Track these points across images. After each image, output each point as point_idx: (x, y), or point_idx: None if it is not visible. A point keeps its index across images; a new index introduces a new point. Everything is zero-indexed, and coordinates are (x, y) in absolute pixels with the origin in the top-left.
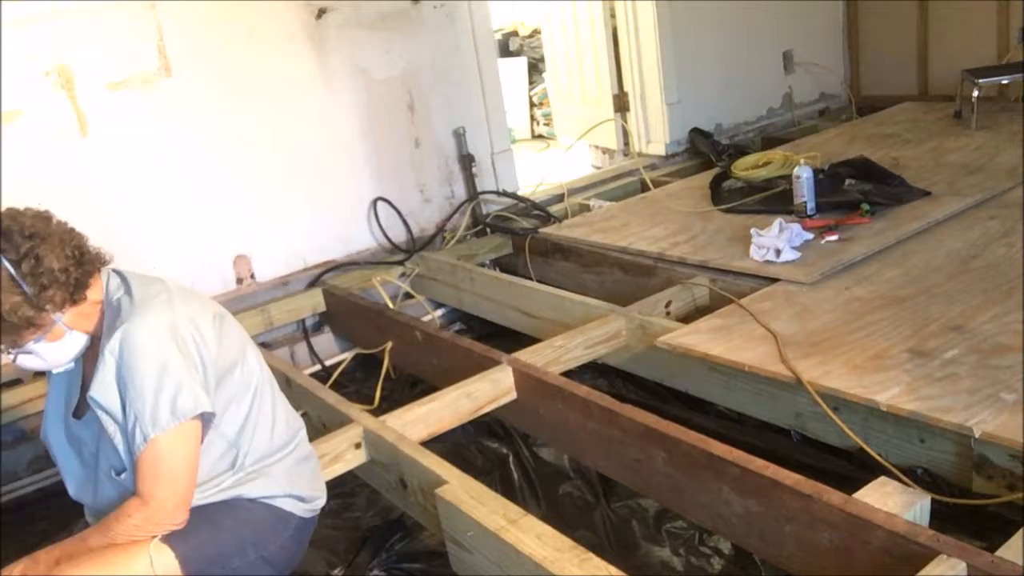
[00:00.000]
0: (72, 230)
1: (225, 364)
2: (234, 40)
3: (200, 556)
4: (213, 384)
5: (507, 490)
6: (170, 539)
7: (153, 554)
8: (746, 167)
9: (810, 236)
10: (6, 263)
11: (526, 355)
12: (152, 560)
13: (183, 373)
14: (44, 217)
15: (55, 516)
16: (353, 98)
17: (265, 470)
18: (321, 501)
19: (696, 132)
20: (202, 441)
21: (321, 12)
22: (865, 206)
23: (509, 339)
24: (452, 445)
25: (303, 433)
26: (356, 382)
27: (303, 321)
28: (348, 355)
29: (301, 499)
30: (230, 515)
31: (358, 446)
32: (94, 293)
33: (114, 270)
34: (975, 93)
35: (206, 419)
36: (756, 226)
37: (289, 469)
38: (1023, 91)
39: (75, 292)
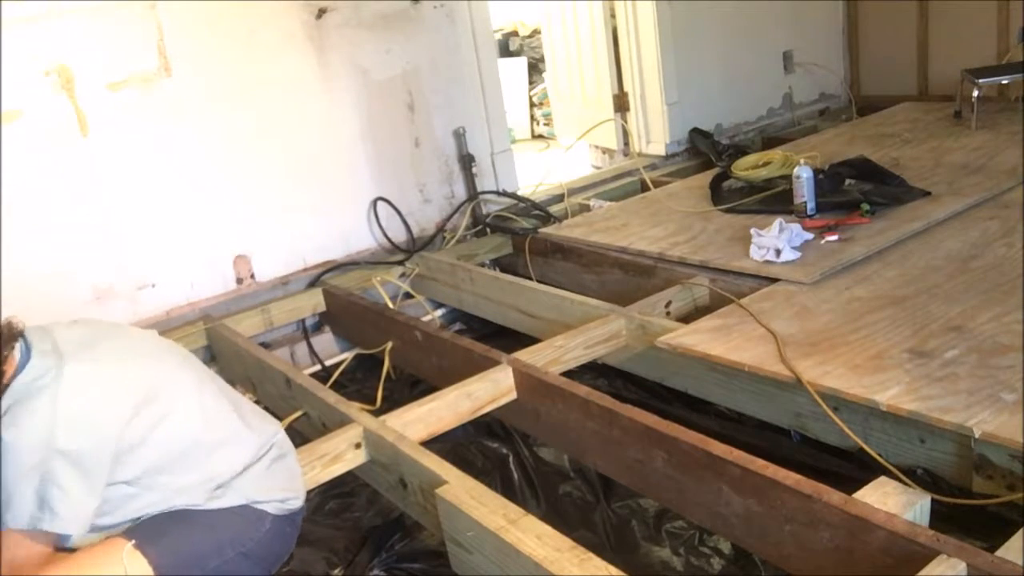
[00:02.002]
0: None
1: (142, 431)
2: (234, 40)
3: (175, 559)
4: (102, 471)
5: (507, 490)
6: (143, 544)
7: (126, 560)
8: (746, 167)
9: (810, 236)
10: None
11: (526, 355)
12: (126, 566)
13: (31, 492)
14: None
15: None
16: (353, 98)
17: (229, 484)
18: (296, 501)
19: (696, 132)
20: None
21: (321, 12)
22: (865, 206)
23: (509, 339)
24: (452, 445)
25: (279, 437)
26: (356, 382)
27: (303, 321)
28: (348, 355)
29: (271, 501)
30: (203, 517)
31: (358, 446)
32: (8, 368)
33: (23, 334)
34: (975, 93)
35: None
36: (756, 226)
37: (255, 479)
38: (1023, 91)
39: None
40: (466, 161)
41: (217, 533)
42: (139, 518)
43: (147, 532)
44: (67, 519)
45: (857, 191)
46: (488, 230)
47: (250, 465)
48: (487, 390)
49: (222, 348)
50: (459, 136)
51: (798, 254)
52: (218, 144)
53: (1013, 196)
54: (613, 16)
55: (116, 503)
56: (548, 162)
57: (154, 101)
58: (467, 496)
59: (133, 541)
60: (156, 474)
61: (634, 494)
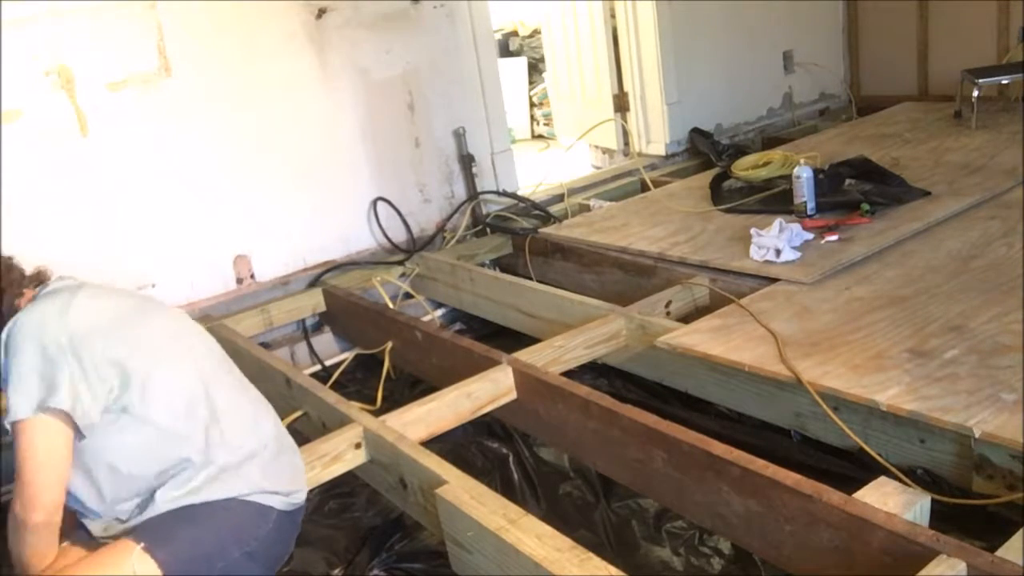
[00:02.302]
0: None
1: (140, 362)
2: (234, 40)
3: (183, 560)
4: (98, 374)
5: (507, 490)
6: (152, 547)
7: (136, 563)
8: (746, 167)
9: (810, 236)
10: None
11: (526, 355)
12: (135, 570)
13: (43, 368)
14: None
15: None
16: (353, 98)
17: (238, 468)
18: (300, 495)
19: (696, 132)
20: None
21: (321, 12)
22: (865, 206)
23: (509, 339)
24: (452, 445)
25: (279, 428)
26: (356, 382)
27: (303, 321)
28: (348, 355)
29: (278, 493)
30: (209, 515)
31: (358, 446)
32: (20, 303)
33: (51, 281)
34: (975, 93)
35: (79, 423)
36: (756, 226)
37: (266, 467)
38: (1023, 91)
39: None
40: (466, 161)
41: (222, 533)
42: (159, 488)
43: (155, 534)
44: (66, 394)
45: (857, 191)
46: (488, 230)
47: (257, 452)
48: (487, 390)
49: (222, 348)
50: (459, 136)
51: (798, 254)
52: (218, 144)
53: (1013, 196)
54: (613, 16)
55: (122, 439)
56: (548, 162)
57: (154, 101)
58: (467, 496)
59: (142, 544)
60: (158, 410)
61: (634, 494)
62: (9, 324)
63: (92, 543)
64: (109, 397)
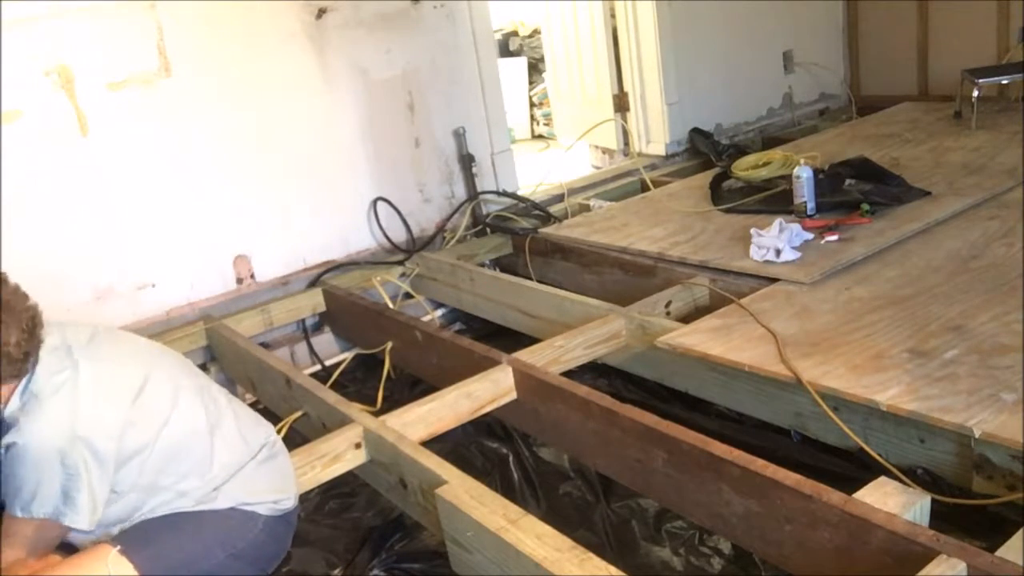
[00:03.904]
0: (26, 296)
1: (147, 435)
2: (234, 40)
3: (162, 563)
4: (111, 466)
5: (507, 490)
6: (128, 550)
7: (111, 566)
8: (746, 167)
9: (810, 236)
10: None
11: (526, 355)
12: (110, 571)
13: (57, 483)
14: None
15: None
16: (353, 98)
17: (222, 486)
18: (289, 502)
19: (696, 132)
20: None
21: (321, 12)
22: (865, 206)
23: (509, 339)
24: (452, 445)
25: (271, 437)
26: (356, 382)
27: (303, 321)
28: (348, 355)
29: (263, 503)
30: (192, 520)
31: (358, 446)
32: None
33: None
34: (975, 93)
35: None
36: (756, 226)
37: (245, 481)
38: (1023, 91)
39: (23, 365)
40: (466, 161)
41: (205, 536)
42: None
43: (133, 538)
44: (86, 513)
45: (857, 191)
46: (488, 230)
47: (241, 468)
48: (487, 390)
49: (222, 348)
50: (459, 136)
51: (798, 254)
52: (218, 144)
53: (1013, 196)
54: (613, 16)
55: (124, 513)
56: (548, 162)
57: (154, 101)
58: (467, 496)
59: (118, 547)
60: (162, 476)
61: (634, 494)
62: (19, 438)
63: (72, 547)
64: (123, 485)
